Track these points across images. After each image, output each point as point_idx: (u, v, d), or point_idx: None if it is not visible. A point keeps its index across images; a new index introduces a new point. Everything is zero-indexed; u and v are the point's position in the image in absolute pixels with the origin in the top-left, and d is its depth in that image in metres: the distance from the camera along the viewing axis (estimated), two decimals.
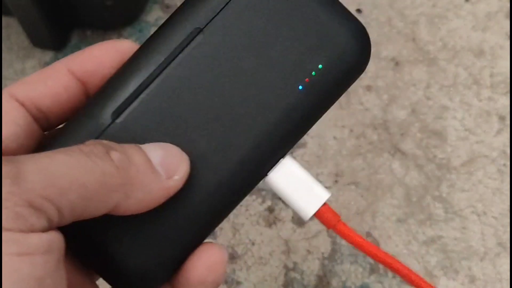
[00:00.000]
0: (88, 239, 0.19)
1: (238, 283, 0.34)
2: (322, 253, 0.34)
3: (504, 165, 0.34)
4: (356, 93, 0.36)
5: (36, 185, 0.15)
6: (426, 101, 0.36)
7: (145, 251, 0.19)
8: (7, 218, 0.14)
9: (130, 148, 0.17)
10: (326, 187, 0.35)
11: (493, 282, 0.33)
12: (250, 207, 0.35)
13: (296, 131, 0.20)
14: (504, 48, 0.36)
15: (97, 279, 0.21)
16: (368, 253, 0.21)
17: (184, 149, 0.19)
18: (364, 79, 0.36)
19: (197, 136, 0.19)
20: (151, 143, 0.18)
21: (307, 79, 0.19)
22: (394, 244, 0.34)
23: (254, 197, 0.35)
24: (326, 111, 0.20)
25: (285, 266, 0.34)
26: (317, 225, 0.34)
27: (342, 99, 0.36)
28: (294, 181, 0.20)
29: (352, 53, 0.19)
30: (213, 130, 0.19)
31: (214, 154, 0.19)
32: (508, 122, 0.35)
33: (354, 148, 0.35)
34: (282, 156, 0.20)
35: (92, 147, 0.16)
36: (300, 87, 0.19)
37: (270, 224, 0.34)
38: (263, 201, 0.35)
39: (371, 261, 0.34)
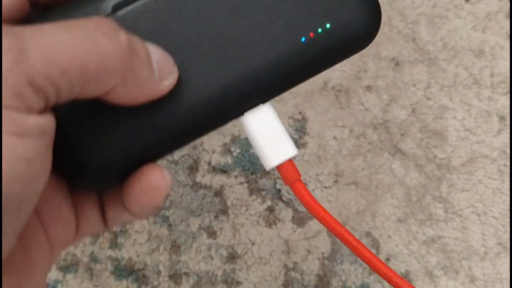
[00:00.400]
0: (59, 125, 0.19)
1: (238, 283, 0.34)
2: (322, 253, 0.34)
3: (504, 165, 0.34)
4: (356, 93, 0.36)
5: (38, 63, 0.14)
6: (426, 101, 0.36)
7: (105, 149, 0.19)
8: (6, 96, 0.14)
9: (136, 37, 0.17)
10: (326, 187, 0.35)
11: (493, 282, 0.33)
12: (250, 207, 0.35)
13: (285, 81, 0.20)
14: (504, 48, 0.36)
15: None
16: (319, 219, 0.20)
17: (175, 59, 0.19)
18: (364, 79, 0.36)
19: (189, 53, 0.19)
20: (150, 43, 0.18)
21: (311, 34, 0.19)
22: (394, 244, 0.34)
23: (254, 197, 0.35)
24: (319, 72, 0.20)
25: (285, 266, 0.34)
26: (317, 225, 0.34)
27: (342, 99, 0.35)
28: (267, 129, 0.20)
29: (362, 23, 0.19)
30: (206, 52, 0.19)
31: (199, 75, 0.19)
32: (508, 122, 0.35)
33: (354, 148, 0.35)
34: (263, 101, 0.20)
35: (101, 23, 0.16)
36: (303, 39, 0.19)
37: (270, 224, 0.34)
38: (263, 201, 0.35)
39: None
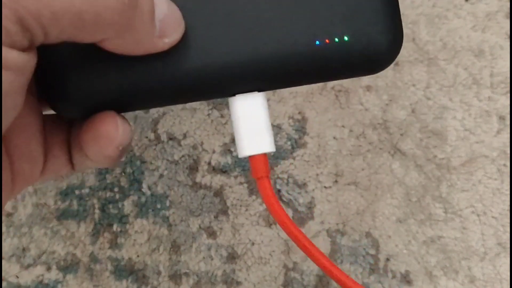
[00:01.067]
0: (43, 52, 0.19)
1: (238, 283, 0.34)
2: None
3: (504, 165, 0.34)
4: (356, 93, 0.36)
5: (31, 3, 0.14)
6: (426, 101, 0.36)
7: (88, 79, 0.18)
8: None
9: None
10: (325, 187, 0.35)
11: (493, 282, 0.33)
12: (250, 207, 0.35)
13: (288, 77, 0.19)
14: (504, 48, 0.36)
15: (45, 109, 0.21)
16: (277, 220, 0.20)
17: (187, 20, 0.18)
18: (363, 79, 0.36)
19: (205, 15, 0.18)
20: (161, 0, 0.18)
21: (327, 40, 0.19)
22: (394, 244, 0.34)
23: (254, 197, 0.35)
24: (325, 80, 0.20)
25: (285, 266, 0.34)
26: (317, 225, 0.34)
27: (342, 99, 0.35)
28: (253, 117, 0.20)
29: (380, 51, 0.19)
30: (221, 19, 0.18)
31: (207, 40, 0.18)
32: (508, 122, 0.35)
33: (354, 148, 0.35)
34: (259, 90, 0.20)
35: None
36: (317, 42, 0.19)
37: (270, 224, 0.34)
38: (263, 201, 0.35)
39: (371, 261, 0.34)
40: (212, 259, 0.34)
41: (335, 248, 0.34)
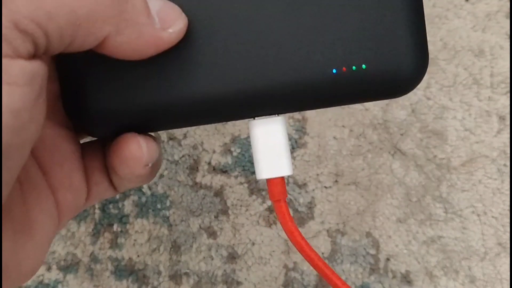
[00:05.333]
0: (67, 71, 0.19)
1: (238, 283, 0.34)
2: (322, 253, 0.34)
3: (504, 165, 0.34)
4: None
5: (23, 6, 0.14)
6: (426, 101, 0.36)
7: (110, 100, 0.19)
8: None
9: None
10: (326, 187, 0.35)
11: (493, 282, 0.33)
12: (250, 207, 0.35)
13: (306, 103, 0.19)
14: (504, 48, 0.36)
15: (82, 138, 0.21)
16: (294, 243, 0.20)
17: (209, 45, 0.18)
18: None
19: (222, 42, 0.18)
20: None
21: (344, 68, 0.18)
22: (394, 244, 0.34)
23: (254, 197, 0.35)
24: (342, 105, 0.20)
25: (285, 266, 0.34)
26: (317, 225, 0.34)
27: None
28: (271, 141, 0.20)
29: (400, 78, 0.18)
30: (239, 47, 0.18)
31: (226, 64, 0.18)
32: (508, 122, 0.35)
33: (354, 148, 0.35)
34: (278, 113, 0.20)
35: None
36: (334, 71, 0.18)
37: (270, 224, 0.34)
38: (263, 201, 0.35)
39: (372, 261, 0.34)
40: (212, 259, 0.34)
41: (335, 248, 0.34)
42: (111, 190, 0.21)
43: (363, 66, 0.18)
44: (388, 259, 0.34)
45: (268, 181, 0.21)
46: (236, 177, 0.35)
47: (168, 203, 0.35)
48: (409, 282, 0.33)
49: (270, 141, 0.20)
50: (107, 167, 0.21)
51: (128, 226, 0.35)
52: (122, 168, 0.19)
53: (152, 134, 0.21)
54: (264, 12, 0.18)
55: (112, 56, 0.17)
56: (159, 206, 0.35)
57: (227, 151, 0.35)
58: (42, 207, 0.19)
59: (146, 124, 0.20)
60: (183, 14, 0.18)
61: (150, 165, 0.20)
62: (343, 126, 0.35)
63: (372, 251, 0.34)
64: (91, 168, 0.21)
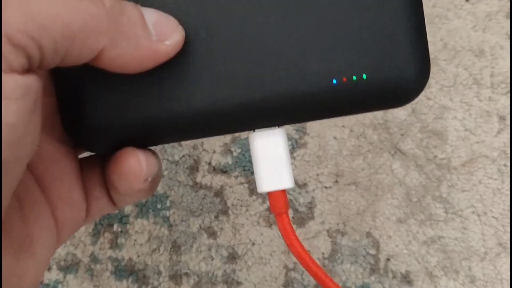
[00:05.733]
0: (64, 86, 0.18)
1: (239, 283, 0.34)
2: (323, 253, 0.34)
3: (505, 165, 0.34)
4: None
5: (16, 19, 0.14)
6: (426, 101, 0.36)
7: (108, 115, 0.18)
8: None
9: (125, 1, 0.17)
10: (326, 187, 0.35)
11: (493, 282, 0.33)
12: (250, 207, 0.35)
13: (307, 114, 0.19)
14: (504, 48, 0.36)
15: (80, 153, 0.21)
16: (297, 256, 0.20)
17: (207, 56, 0.18)
18: None
19: (220, 54, 0.18)
20: (149, 8, 0.17)
21: (344, 79, 0.18)
22: (394, 244, 0.34)
23: (254, 197, 0.35)
24: (343, 116, 0.20)
25: (285, 266, 0.34)
26: (317, 225, 0.34)
27: None
28: (272, 153, 0.20)
29: (402, 87, 0.18)
30: (238, 59, 0.18)
31: (224, 76, 0.18)
32: (508, 122, 0.35)
33: (354, 148, 0.35)
34: (278, 125, 0.20)
35: None
36: (334, 81, 0.18)
37: (270, 224, 0.34)
38: (264, 201, 0.35)
39: (372, 261, 0.34)
40: (212, 259, 0.34)
41: (335, 248, 0.34)
42: (111, 206, 0.21)
43: (364, 76, 0.18)
44: (388, 259, 0.34)
45: (269, 194, 0.20)
46: (236, 177, 0.35)
47: (168, 203, 0.35)
48: (409, 282, 0.33)
49: (270, 153, 0.20)
50: (106, 182, 0.21)
51: (128, 226, 0.35)
52: (121, 183, 0.19)
53: (152, 148, 0.21)
54: (263, 23, 0.18)
55: (109, 70, 0.17)
56: (159, 206, 0.35)
57: (227, 151, 0.35)
58: (41, 223, 0.18)
59: (145, 138, 0.19)
60: (180, 26, 0.18)
61: (149, 179, 0.19)
62: (343, 126, 0.35)
63: (372, 251, 0.34)
64: (90, 184, 0.21)
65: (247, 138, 0.35)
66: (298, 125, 0.35)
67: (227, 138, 0.35)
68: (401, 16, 0.18)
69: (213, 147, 0.35)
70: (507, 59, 0.36)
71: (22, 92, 0.14)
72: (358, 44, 0.18)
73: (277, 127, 0.20)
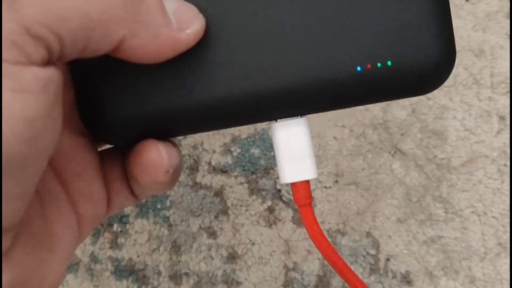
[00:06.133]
0: (82, 78, 0.18)
1: (239, 283, 0.34)
2: None
3: (505, 165, 0.34)
4: None
5: (33, 11, 0.13)
6: (426, 101, 0.36)
7: (128, 107, 0.18)
8: (2, 48, 0.13)
9: None
10: (326, 187, 0.35)
11: (493, 282, 0.33)
12: (250, 207, 0.35)
13: (330, 103, 0.19)
14: (505, 48, 0.36)
15: (100, 146, 0.21)
16: (320, 248, 0.20)
17: (228, 45, 0.18)
18: None
19: (242, 42, 0.18)
20: None
21: (369, 66, 0.17)
22: (394, 244, 0.34)
23: (254, 197, 0.35)
24: (367, 104, 0.19)
25: (285, 266, 0.34)
26: None
27: None
28: (295, 143, 0.19)
29: (428, 74, 0.18)
30: (262, 45, 0.18)
31: (246, 65, 0.18)
32: (508, 122, 0.35)
33: (354, 148, 0.35)
34: (301, 114, 0.19)
35: None
36: (359, 68, 0.18)
37: (270, 224, 0.34)
38: (263, 201, 0.35)
39: (372, 261, 0.34)
40: (212, 259, 0.34)
41: (335, 248, 0.34)
42: (132, 199, 0.21)
43: (389, 62, 0.17)
44: (388, 259, 0.34)
45: (293, 185, 0.20)
46: (236, 177, 0.35)
47: (168, 203, 0.35)
48: (409, 282, 0.33)
49: (293, 143, 0.19)
50: (127, 175, 0.20)
51: (128, 226, 0.35)
52: (142, 176, 0.19)
53: (172, 139, 0.20)
54: (284, 10, 0.18)
55: (129, 60, 0.17)
56: (159, 206, 0.35)
57: (227, 151, 0.35)
58: (62, 220, 0.18)
59: (165, 129, 0.19)
60: (201, 14, 0.18)
61: (171, 171, 0.19)
62: (343, 126, 0.35)
63: (372, 251, 0.34)
64: (111, 177, 0.20)
65: (247, 138, 0.35)
66: None
67: (227, 138, 0.35)
68: (425, 2, 0.18)
69: (213, 147, 0.35)
70: (507, 59, 0.36)
71: (42, 85, 0.14)
72: (382, 31, 0.17)
73: (299, 116, 0.19)
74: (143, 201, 0.35)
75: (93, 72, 0.18)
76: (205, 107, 0.18)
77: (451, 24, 0.18)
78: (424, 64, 0.17)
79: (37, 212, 0.17)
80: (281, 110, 0.19)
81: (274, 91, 0.18)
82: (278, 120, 0.19)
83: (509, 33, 0.36)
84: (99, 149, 0.21)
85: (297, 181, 0.20)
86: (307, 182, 0.20)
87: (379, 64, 0.17)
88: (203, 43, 0.18)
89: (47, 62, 0.14)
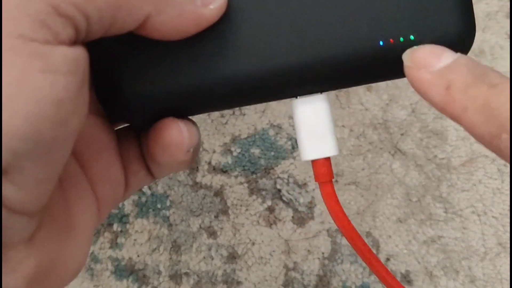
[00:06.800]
0: (100, 56, 0.18)
1: (239, 283, 0.34)
2: (323, 253, 0.34)
3: (504, 165, 0.34)
4: (356, 93, 0.36)
5: None
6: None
7: (147, 85, 0.18)
8: (31, 27, 0.13)
9: None
10: None
11: (493, 282, 0.33)
12: (250, 207, 0.35)
13: (351, 77, 0.19)
14: (504, 48, 0.36)
15: (116, 126, 0.21)
16: (340, 227, 0.20)
17: (249, 22, 0.18)
18: None
19: (266, 17, 0.18)
20: None
21: (391, 40, 0.17)
22: (394, 244, 0.34)
23: (254, 197, 0.35)
24: (388, 79, 0.19)
25: (285, 266, 0.34)
26: (317, 225, 0.34)
27: (342, 99, 0.35)
28: (316, 120, 0.19)
29: (450, 43, 0.17)
30: (283, 21, 0.18)
31: (268, 41, 0.18)
32: None
33: (354, 148, 0.35)
34: (321, 91, 0.19)
35: None
36: (381, 43, 0.17)
37: (270, 224, 0.34)
38: (263, 201, 0.35)
39: None
40: (212, 259, 0.34)
41: (335, 248, 0.34)
42: (149, 178, 0.21)
43: (411, 36, 0.17)
44: (388, 259, 0.34)
45: (313, 162, 0.20)
46: (236, 177, 0.35)
47: (168, 203, 0.35)
48: (409, 282, 0.33)
49: (314, 120, 0.19)
50: (145, 154, 0.20)
51: (128, 226, 0.35)
52: (163, 155, 0.19)
53: (191, 117, 0.20)
54: None
55: (152, 37, 0.16)
56: (159, 206, 0.35)
57: (227, 151, 0.35)
58: (83, 203, 0.18)
59: (186, 107, 0.19)
60: None
61: (191, 150, 0.19)
62: (343, 126, 0.35)
63: (372, 251, 0.34)
64: (128, 157, 0.20)
65: (247, 138, 0.35)
66: None
67: (227, 138, 0.35)
68: None
69: (213, 147, 0.35)
70: (507, 59, 0.36)
71: (71, 65, 0.14)
72: (405, 5, 0.17)
73: (320, 93, 0.19)
74: (143, 201, 0.35)
75: (111, 49, 0.18)
76: (226, 84, 0.18)
77: (472, 4, 0.18)
78: (447, 39, 0.17)
79: (58, 196, 0.17)
80: (303, 86, 0.19)
81: (296, 67, 0.18)
82: (299, 97, 0.19)
83: (509, 33, 0.36)
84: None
85: (318, 158, 0.19)
86: (328, 159, 0.20)
87: (401, 39, 0.17)
88: (223, 19, 0.18)
89: (74, 42, 0.14)
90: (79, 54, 0.14)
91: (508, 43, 0.36)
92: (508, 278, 0.32)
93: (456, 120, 0.16)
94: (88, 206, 0.18)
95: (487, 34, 0.36)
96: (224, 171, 0.35)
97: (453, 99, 0.16)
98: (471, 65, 0.16)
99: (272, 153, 0.35)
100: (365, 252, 0.20)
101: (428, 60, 0.16)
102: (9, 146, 0.12)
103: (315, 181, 0.20)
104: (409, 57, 0.17)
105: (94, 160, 0.19)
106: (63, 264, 0.16)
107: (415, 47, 0.17)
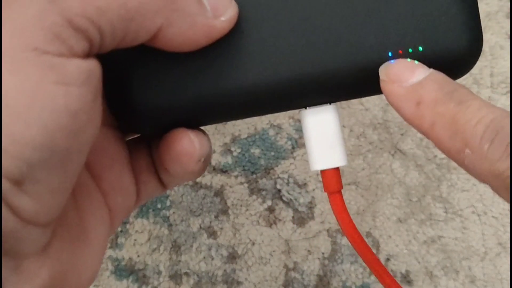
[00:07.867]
0: (111, 67, 0.18)
1: (239, 283, 0.34)
2: (323, 253, 0.34)
3: None
4: None
5: (74, 3, 0.14)
6: None
7: (159, 96, 0.18)
8: (45, 40, 0.13)
9: None
10: None
11: (493, 282, 0.33)
12: (250, 207, 0.35)
13: (360, 89, 0.19)
14: (504, 48, 0.36)
15: (127, 137, 0.21)
16: (349, 237, 0.20)
17: (259, 33, 0.18)
18: None
19: (272, 29, 0.18)
20: None
21: (400, 51, 0.18)
22: (394, 244, 0.34)
23: (254, 197, 0.35)
24: None
25: (286, 266, 0.34)
26: (317, 225, 0.34)
27: None
28: (324, 131, 0.19)
29: (458, 59, 0.18)
30: (291, 32, 0.18)
31: (276, 53, 0.18)
32: None
33: (354, 148, 0.35)
34: (330, 102, 0.19)
35: None
36: (390, 54, 0.18)
37: (270, 224, 0.34)
38: (263, 201, 0.35)
39: None
40: (212, 259, 0.34)
41: (335, 248, 0.34)
42: (160, 188, 0.21)
43: (420, 48, 0.18)
44: (388, 259, 0.34)
45: (322, 172, 0.20)
46: (236, 177, 0.35)
47: (168, 203, 0.35)
48: (409, 282, 0.33)
49: (323, 131, 0.19)
50: (156, 165, 0.20)
51: (128, 226, 0.35)
52: (174, 165, 0.19)
53: (201, 128, 0.20)
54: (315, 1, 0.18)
55: (164, 49, 0.17)
56: (159, 206, 0.35)
57: (227, 151, 0.35)
58: (95, 213, 0.18)
59: (195, 118, 0.19)
60: (233, 1, 0.18)
61: (202, 160, 0.19)
62: (343, 126, 0.35)
63: (382, 263, 0.34)
64: (139, 168, 0.20)
65: (247, 138, 0.35)
66: (298, 125, 0.35)
67: (227, 138, 0.35)
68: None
69: (213, 147, 0.35)
70: (507, 59, 0.36)
71: (84, 77, 0.14)
72: (413, 16, 0.18)
73: (329, 104, 0.19)
74: None
75: (123, 61, 0.18)
76: (236, 95, 0.18)
77: (478, 12, 0.18)
78: (455, 50, 0.18)
79: (71, 206, 0.17)
80: (312, 97, 0.19)
81: (306, 78, 0.18)
82: (308, 107, 0.19)
83: (509, 33, 0.36)
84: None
85: (327, 168, 0.20)
86: (337, 169, 0.20)
87: (410, 50, 0.18)
88: (234, 31, 0.18)
89: (88, 54, 0.14)
90: (93, 66, 0.14)
91: (508, 43, 0.36)
92: (508, 278, 0.32)
93: (424, 134, 0.16)
94: (100, 217, 0.18)
95: (487, 34, 0.36)
96: (224, 171, 0.35)
97: (423, 115, 0.16)
98: (442, 82, 0.17)
99: (272, 153, 0.35)
100: (375, 264, 0.20)
101: (401, 75, 0.17)
102: (23, 156, 0.13)
103: (324, 191, 0.20)
104: (384, 71, 0.17)
105: (106, 171, 0.19)
106: (76, 275, 0.17)
107: (391, 61, 0.17)
